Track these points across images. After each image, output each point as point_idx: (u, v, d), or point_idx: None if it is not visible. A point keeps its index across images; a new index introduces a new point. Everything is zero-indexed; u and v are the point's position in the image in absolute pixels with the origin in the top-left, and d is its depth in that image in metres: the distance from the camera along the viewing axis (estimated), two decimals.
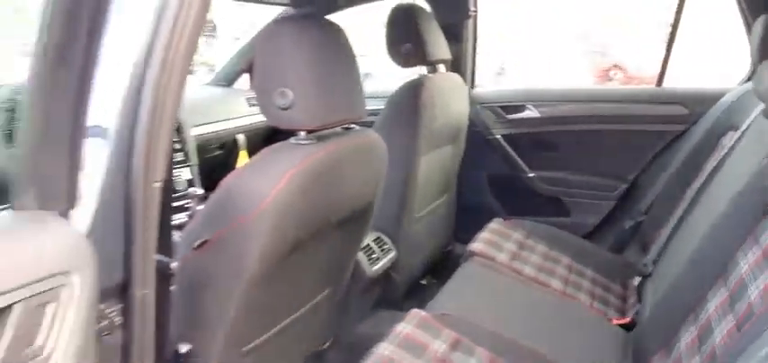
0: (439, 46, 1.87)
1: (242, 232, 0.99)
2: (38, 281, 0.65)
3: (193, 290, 1.03)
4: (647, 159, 2.15)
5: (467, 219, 2.12)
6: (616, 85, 4.40)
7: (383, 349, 1.16)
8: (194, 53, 0.91)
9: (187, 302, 1.03)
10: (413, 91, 1.76)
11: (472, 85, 2.33)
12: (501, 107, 2.28)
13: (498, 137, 2.27)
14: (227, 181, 1.03)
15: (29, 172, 0.73)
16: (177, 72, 0.84)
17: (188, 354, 1.04)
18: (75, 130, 0.75)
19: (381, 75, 3.24)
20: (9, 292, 0.62)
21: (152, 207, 0.85)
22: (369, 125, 1.80)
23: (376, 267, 1.65)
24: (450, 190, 2.13)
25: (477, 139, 2.23)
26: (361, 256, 1.60)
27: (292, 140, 1.09)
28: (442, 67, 1.99)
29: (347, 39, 1.18)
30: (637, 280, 1.63)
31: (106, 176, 0.83)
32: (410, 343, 1.20)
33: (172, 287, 0.99)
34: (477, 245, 1.73)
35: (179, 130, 2.03)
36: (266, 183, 0.99)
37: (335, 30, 1.16)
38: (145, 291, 0.86)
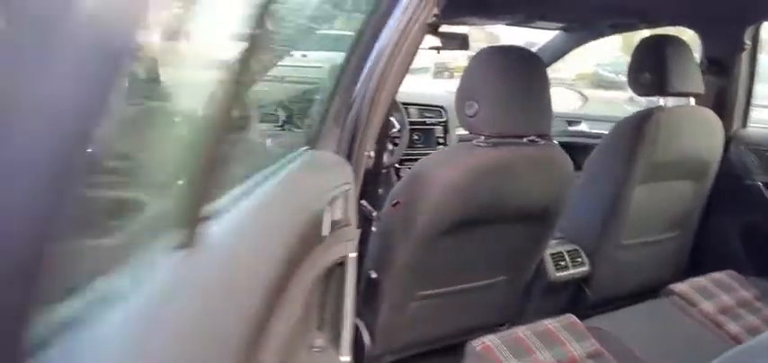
0: (685, 79, 1.82)
1: (415, 202, 1.34)
2: (343, 184, 1.10)
3: (384, 236, 1.42)
4: None
5: (704, 263, 1.99)
6: None
7: (520, 329, 1.36)
8: (409, 66, 1.29)
9: (380, 243, 1.43)
10: (639, 119, 1.79)
11: (743, 124, 2.13)
12: None
13: (759, 184, 2.03)
14: (418, 163, 1.39)
15: (324, 131, 1.20)
16: (391, 78, 1.23)
17: (375, 280, 1.44)
18: (345, 109, 1.20)
19: None
20: (336, 188, 1.07)
21: (360, 168, 1.26)
22: (592, 147, 1.92)
23: (560, 274, 1.77)
24: (684, 228, 2.03)
25: (733, 182, 2.04)
26: (547, 258, 1.75)
27: (474, 142, 1.37)
28: (691, 100, 1.92)
29: (542, 67, 1.40)
30: None
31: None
32: (549, 337, 1.36)
33: (373, 229, 1.41)
34: (680, 286, 1.68)
35: (446, 129, 2.49)
36: (439, 170, 1.32)
37: (532, 60, 1.39)
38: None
